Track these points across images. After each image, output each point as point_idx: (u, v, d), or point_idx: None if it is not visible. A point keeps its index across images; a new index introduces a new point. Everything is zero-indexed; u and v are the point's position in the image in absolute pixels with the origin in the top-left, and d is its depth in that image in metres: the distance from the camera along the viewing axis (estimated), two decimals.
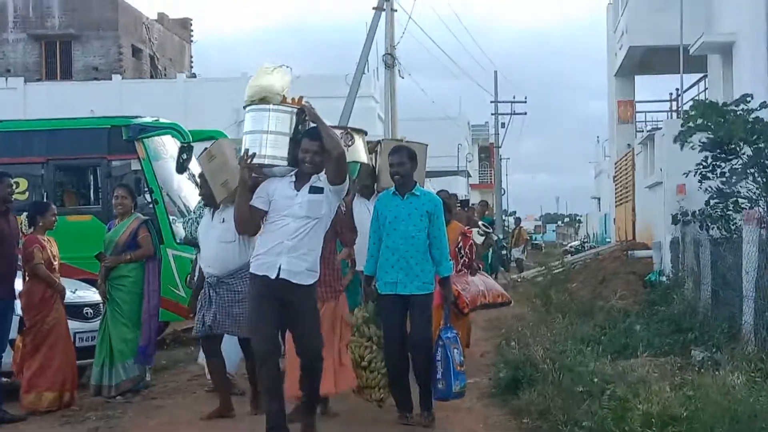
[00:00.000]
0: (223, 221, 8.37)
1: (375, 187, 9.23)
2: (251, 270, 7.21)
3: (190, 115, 28.11)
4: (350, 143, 8.50)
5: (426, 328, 7.88)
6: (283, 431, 7.04)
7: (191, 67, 50.09)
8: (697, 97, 23.08)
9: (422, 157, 8.96)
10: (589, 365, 8.20)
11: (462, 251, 10.72)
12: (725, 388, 6.55)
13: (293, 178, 7.21)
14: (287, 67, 7.59)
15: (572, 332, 11.24)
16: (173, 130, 13.95)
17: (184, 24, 50.62)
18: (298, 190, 7.14)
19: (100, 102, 31.85)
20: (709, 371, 8.03)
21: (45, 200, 11.54)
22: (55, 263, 9.28)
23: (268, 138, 7.17)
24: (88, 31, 41.55)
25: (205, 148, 8.73)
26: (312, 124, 7.20)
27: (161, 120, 14.39)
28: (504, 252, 28.52)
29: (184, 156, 13.27)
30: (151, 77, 44.25)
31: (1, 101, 33.85)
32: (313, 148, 7.11)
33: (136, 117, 14.12)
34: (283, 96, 7.37)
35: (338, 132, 7.84)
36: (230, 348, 8.96)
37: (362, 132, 9.06)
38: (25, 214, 9.66)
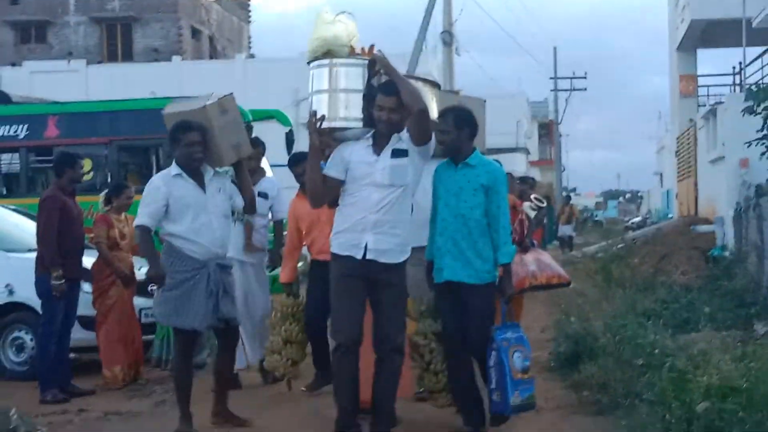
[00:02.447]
0: (220, 191, 7.12)
1: None
2: (332, 250, 6.42)
3: (249, 95, 28.17)
4: None
5: (480, 327, 6.53)
6: (356, 428, 6.38)
7: (249, 47, 50.43)
8: (760, 71, 22.72)
9: (480, 114, 7.79)
10: (650, 338, 8.16)
11: (512, 226, 9.80)
12: None
13: (371, 141, 6.39)
14: (349, 13, 6.84)
15: (633, 306, 11.18)
16: None
17: (243, 5, 50.95)
18: (378, 155, 6.32)
19: (161, 83, 32.14)
20: None
21: (118, 181, 11.73)
22: (123, 242, 9.46)
23: (337, 97, 6.44)
24: (147, 13, 42.02)
25: (216, 99, 7.26)
26: (386, 78, 6.35)
27: None
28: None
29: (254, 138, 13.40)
30: (210, 58, 44.62)
31: (63, 83, 34.36)
32: (390, 104, 6.24)
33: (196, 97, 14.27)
34: (351, 47, 6.60)
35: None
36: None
37: (435, 84, 7.57)
38: (103, 193, 9.89)
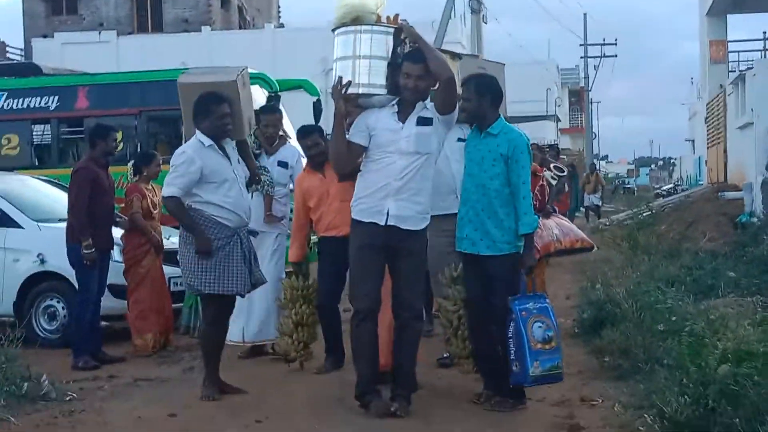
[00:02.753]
0: (239, 161, 7.43)
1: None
2: (353, 216, 6.54)
3: (278, 65, 28.34)
4: None
5: (500, 297, 6.49)
6: (376, 396, 6.47)
7: (279, 17, 50.39)
8: None
9: (499, 78, 7.76)
10: (670, 304, 8.21)
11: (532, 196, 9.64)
12: None
13: (395, 108, 6.46)
14: None
15: (657, 273, 11.22)
16: (261, 80, 14.17)
17: None
18: (403, 122, 6.40)
19: (191, 53, 32.26)
20: None
21: (145, 150, 11.85)
22: (155, 211, 9.62)
23: (362, 63, 6.42)
24: None
25: (236, 74, 7.47)
26: (412, 46, 6.44)
27: (249, 70, 14.61)
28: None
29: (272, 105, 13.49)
30: (240, 28, 44.64)
31: (95, 55, 34.57)
32: (417, 72, 6.33)
33: (226, 67, 14.35)
34: (378, 15, 6.64)
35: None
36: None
37: (456, 55, 8.10)
38: (131, 163, 10.03)
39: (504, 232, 6.54)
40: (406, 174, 6.36)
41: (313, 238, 8.42)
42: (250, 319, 8.56)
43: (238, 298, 7.37)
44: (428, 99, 6.52)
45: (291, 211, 8.94)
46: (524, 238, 6.57)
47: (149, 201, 9.61)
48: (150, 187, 9.72)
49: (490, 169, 6.56)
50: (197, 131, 7.18)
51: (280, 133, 9.05)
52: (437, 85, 6.45)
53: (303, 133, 8.26)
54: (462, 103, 6.67)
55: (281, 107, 13.80)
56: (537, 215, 9.05)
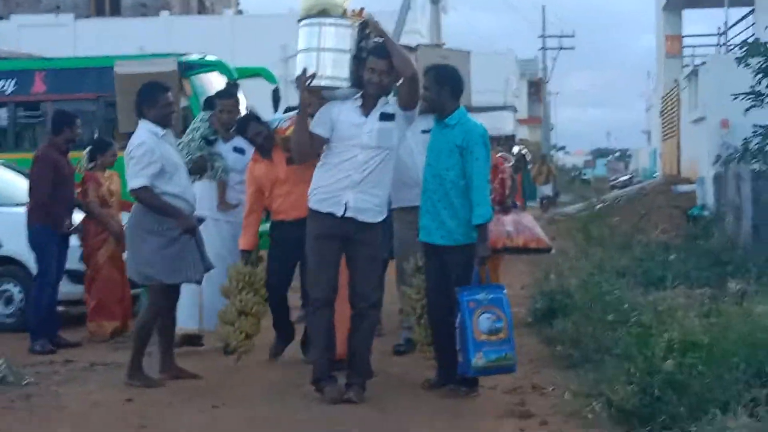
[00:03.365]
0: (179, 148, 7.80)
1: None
2: (310, 205, 6.62)
3: (237, 52, 28.25)
4: None
5: (447, 289, 6.63)
6: (331, 382, 6.59)
7: (238, 3, 50.11)
8: (744, 32, 22.89)
9: (464, 67, 8.03)
10: (620, 294, 8.38)
11: (491, 185, 8.91)
12: (750, 317, 6.73)
13: (359, 102, 6.55)
14: None
15: (609, 264, 11.40)
16: (219, 67, 14.18)
17: None
18: (366, 116, 6.49)
19: (149, 38, 32.06)
20: (738, 301, 8.20)
21: (101, 138, 11.76)
22: (112, 199, 9.61)
23: (326, 56, 6.48)
24: None
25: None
26: (376, 41, 6.53)
27: (207, 57, 14.62)
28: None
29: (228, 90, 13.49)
30: (199, 13, 44.37)
31: (51, 37, 34.18)
32: (381, 67, 6.42)
33: (184, 54, 14.35)
34: (344, 9, 6.66)
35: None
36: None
37: (412, 50, 8.27)
38: (86, 150, 10.00)
39: (459, 223, 6.62)
40: (367, 168, 6.46)
41: (263, 227, 8.27)
42: (205, 306, 8.42)
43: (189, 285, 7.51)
44: (390, 94, 6.65)
45: None
46: (477, 229, 6.61)
47: (106, 189, 9.59)
48: (107, 175, 9.71)
49: (446, 159, 6.63)
50: (143, 121, 7.23)
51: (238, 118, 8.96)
52: (400, 81, 6.55)
53: (242, 126, 8.20)
54: (422, 92, 6.70)
55: (240, 95, 13.93)
56: (496, 208, 9.07)
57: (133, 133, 7.39)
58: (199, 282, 7.46)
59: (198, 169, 8.26)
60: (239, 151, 8.56)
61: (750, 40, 14.21)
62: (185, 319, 8.25)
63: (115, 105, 14.05)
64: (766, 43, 12.92)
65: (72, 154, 9.38)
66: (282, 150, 7.81)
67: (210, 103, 8.85)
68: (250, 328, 7.80)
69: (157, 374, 7.38)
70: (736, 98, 13.44)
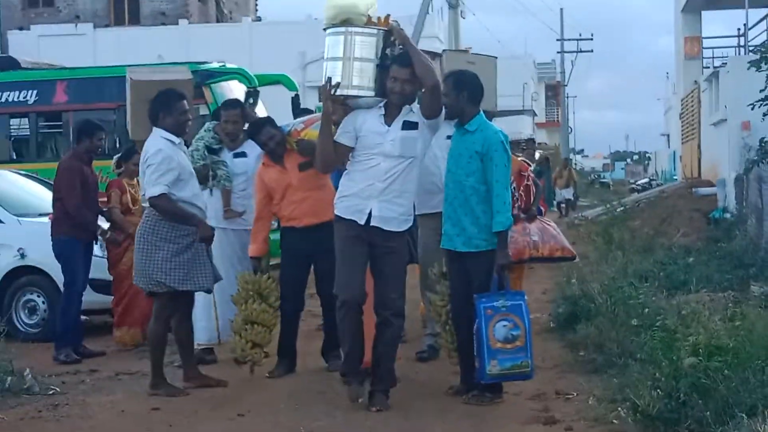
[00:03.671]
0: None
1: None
2: (337, 212, 6.62)
3: (255, 59, 28.37)
4: None
5: (470, 295, 6.60)
6: (356, 380, 6.60)
7: (256, 10, 50.27)
8: (764, 32, 22.79)
9: (490, 72, 7.92)
10: (643, 299, 8.36)
11: (516, 192, 9.28)
12: None
13: (382, 111, 6.54)
14: None
15: (631, 269, 11.37)
16: (240, 75, 14.24)
17: None
18: (389, 125, 6.48)
19: (168, 47, 32.28)
20: (763, 305, 8.17)
21: (131, 146, 11.73)
22: (135, 207, 9.60)
23: (351, 65, 6.47)
24: None
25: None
26: (401, 49, 6.50)
27: (227, 65, 14.69)
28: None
29: (251, 100, 13.56)
30: (217, 21, 44.54)
31: (71, 47, 34.38)
32: (404, 75, 6.41)
33: (204, 63, 14.42)
34: (368, 16, 6.60)
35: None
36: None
37: (436, 55, 8.09)
38: (115, 157, 10.04)
39: (480, 229, 6.59)
40: (390, 176, 6.45)
41: (273, 237, 8.11)
42: (219, 318, 8.30)
43: (203, 297, 7.59)
44: (415, 102, 6.60)
45: None
46: (497, 236, 6.57)
47: (129, 196, 9.64)
48: (134, 182, 9.75)
49: (466, 166, 6.61)
50: (157, 129, 7.22)
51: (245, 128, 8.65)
52: (424, 89, 6.54)
53: (254, 129, 8.12)
54: (443, 98, 6.64)
55: (261, 102, 13.98)
56: (522, 216, 9.12)
57: (143, 141, 7.43)
58: (209, 291, 7.46)
59: (200, 178, 8.03)
60: (240, 155, 8.45)
61: None
62: (201, 334, 8.21)
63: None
64: None
65: (98, 163, 9.43)
66: (296, 153, 7.76)
67: (217, 114, 8.85)
68: (256, 337, 7.65)
69: (182, 384, 7.38)
70: (753, 107, 13.45)
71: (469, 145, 6.63)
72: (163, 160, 7.06)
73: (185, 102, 7.34)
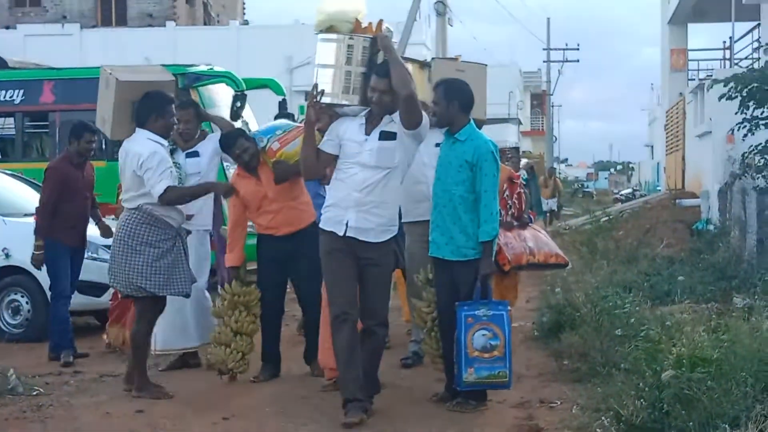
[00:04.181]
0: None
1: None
2: (320, 224, 6.61)
3: (243, 63, 28.34)
4: None
5: (452, 303, 6.64)
6: (354, 408, 6.35)
7: (244, 14, 50.28)
8: (750, 46, 22.94)
9: (480, 80, 7.85)
10: (628, 309, 8.40)
11: (510, 200, 9.49)
12: (758, 333, 6.74)
13: (363, 120, 6.49)
14: None
15: (615, 278, 11.42)
16: (227, 78, 14.21)
17: None
18: (368, 135, 6.42)
19: (154, 49, 32.19)
20: (745, 317, 8.21)
21: (107, 147, 11.68)
22: None
23: (339, 73, 6.45)
24: None
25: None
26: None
27: (215, 68, 14.67)
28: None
29: (238, 104, 13.51)
30: (205, 24, 44.51)
31: (57, 47, 34.27)
32: (381, 86, 6.34)
33: (191, 65, 14.39)
34: (357, 21, 6.58)
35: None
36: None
37: (425, 65, 8.02)
38: None
39: (468, 238, 6.59)
40: (367, 186, 6.37)
41: (250, 241, 8.04)
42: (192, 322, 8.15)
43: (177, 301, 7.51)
44: (395, 112, 6.47)
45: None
46: (483, 245, 6.58)
47: None
48: None
49: (455, 175, 6.61)
50: (142, 130, 7.13)
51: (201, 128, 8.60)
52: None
53: (226, 143, 7.97)
54: (432, 106, 6.70)
55: (247, 106, 13.97)
56: (515, 223, 9.23)
57: (121, 141, 7.32)
58: (188, 295, 7.33)
59: None
60: (193, 154, 8.31)
61: (755, 55, 14.33)
62: (179, 339, 8.15)
63: None
64: (740, 74, 13.15)
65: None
66: (271, 171, 7.69)
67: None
68: (246, 348, 7.73)
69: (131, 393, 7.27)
70: (737, 129, 13.63)
71: (459, 155, 6.63)
72: (161, 161, 7.01)
73: (173, 105, 7.34)
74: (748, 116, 13.27)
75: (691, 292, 10.60)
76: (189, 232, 7.55)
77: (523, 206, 9.66)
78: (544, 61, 57.95)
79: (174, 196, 7.06)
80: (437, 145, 7.09)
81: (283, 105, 15.42)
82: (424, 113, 6.45)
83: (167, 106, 7.22)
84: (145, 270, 7.02)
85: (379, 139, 6.38)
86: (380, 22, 6.63)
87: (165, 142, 7.21)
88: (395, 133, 6.39)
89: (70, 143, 9.06)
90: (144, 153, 7.03)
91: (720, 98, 13.31)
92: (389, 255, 6.72)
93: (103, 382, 7.93)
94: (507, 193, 9.50)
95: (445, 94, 6.68)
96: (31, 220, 9.23)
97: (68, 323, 9.02)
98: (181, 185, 7.19)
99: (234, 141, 7.89)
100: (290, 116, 13.74)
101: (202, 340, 8.13)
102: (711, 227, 17.16)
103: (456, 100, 6.67)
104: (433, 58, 7.46)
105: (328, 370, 7.25)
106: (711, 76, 20.95)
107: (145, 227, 7.04)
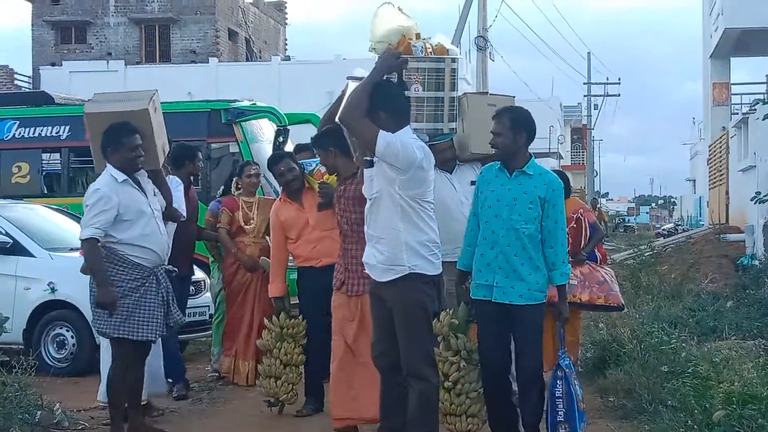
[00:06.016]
0: (155, 194, 7.02)
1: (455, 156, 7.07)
2: None
3: (284, 98, 28.53)
4: None
5: (535, 353, 6.04)
6: None
7: (285, 49, 50.70)
8: None
9: None
10: (674, 345, 8.31)
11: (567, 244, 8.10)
12: None
13: None
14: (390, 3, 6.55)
15: (661, 314, 11.31)
16: (270, 113, 14.31)
17: (279, 7, 51.30)
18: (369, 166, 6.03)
19: (197, 84, 32.55)
20: None
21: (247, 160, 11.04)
22: (248, 226, 9.19)
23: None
24: (185, 14, 42.41)
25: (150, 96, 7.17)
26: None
27: (257, 103, 14.78)
28: None
29: (281, 139, 13.60)
30: (247, 60, 44.94)
31: (102, 84, 34.65)
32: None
33: (235, 101, 14.50)
34: (403, 37, 6.39)
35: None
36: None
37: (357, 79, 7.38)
38: (234, 179, 9.73)
39: (535, 279, 6.01)
40: (366, 218, 6.02)
41: (292, 276, 8.01)
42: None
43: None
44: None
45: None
46: (558, 289, 6.13)
47: (242, 213, 9.23)
48: (251, 200, 9.33)
49: (525, 212, 6.00)
50: (108, 165, 6.77)
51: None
52: None
53: (274, 159, 8.00)
54: (493, 138, 6.13)
55: (290, 141, 14.05)
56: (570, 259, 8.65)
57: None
58: (152, 341, 6.87)
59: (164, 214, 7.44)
60: None
61: None
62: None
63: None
64: None
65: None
66: (314, 192, 7.68)
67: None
68: (296, 379, 7.78)
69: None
70: None
71: (529, 190, 6.03)
72: (98, 201, 6.55)
73: (137, 137, 6.75)
74: None
75: (737, 328, 10.47)
76: (173, 272, 7.12)
77: (582, 242, 8.96)
78: (584, 95, 57.94)
79: (86, 252, 6.62)
80: (472, 183, 6.65)
81: None
82: (382, 133, 5.74)
83: (124, 138, 6.73)
84: (101, 311, 6.61)
85: (365, 167, 6.03)
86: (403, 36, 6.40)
87: (122, 176, 6.69)
88: (371, 161, 5.93)
89: (183, 165, 8.78)
90: (90, 189, 6.73)
91: (765, 118, 13.03)
92: (407, 297, 5.85)
93: (150, 418, 7.90)
94: (575, 225, 8.79)
95: (512, 125, 6.09)
96: (77, 254, 9.28)
97: (178, 356, 8.85)
98: (99, 255, 6.55)
99: (281, 159, 7.96)
100: None
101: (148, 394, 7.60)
102: (756, 262, 16.95)
103: (524, 131, 6.12)
104: (464, 93, 7.33)
105: (335, 420, 6.87)
106: (755, 110, 20.83)
107: (107, 265, 6.59)
